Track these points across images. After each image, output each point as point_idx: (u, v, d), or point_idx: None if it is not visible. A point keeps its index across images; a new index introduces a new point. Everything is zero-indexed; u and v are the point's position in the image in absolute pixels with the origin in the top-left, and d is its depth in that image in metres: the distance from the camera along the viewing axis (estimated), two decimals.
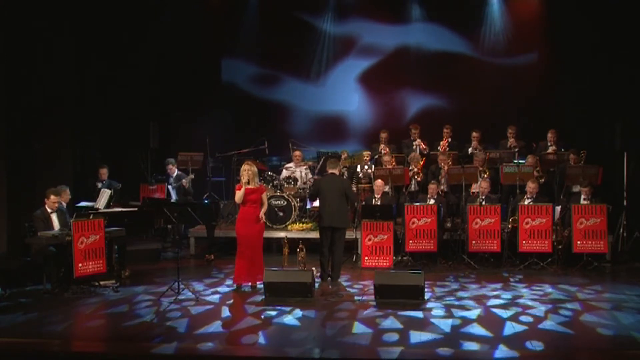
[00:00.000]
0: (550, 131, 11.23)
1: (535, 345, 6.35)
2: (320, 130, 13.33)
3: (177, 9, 12.84)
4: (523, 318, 7.14)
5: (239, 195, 8.38)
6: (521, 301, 7.80)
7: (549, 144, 11.17)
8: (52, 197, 8.61)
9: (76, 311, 7.59)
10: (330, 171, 9.10)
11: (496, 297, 8.06)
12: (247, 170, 8.43)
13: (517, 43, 12.92)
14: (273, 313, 7.37)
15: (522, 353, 6.19)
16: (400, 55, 13.29)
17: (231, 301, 8.01)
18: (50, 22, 10.85)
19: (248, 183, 8.40)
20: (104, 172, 10.93)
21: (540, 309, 7.41)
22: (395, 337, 6.55)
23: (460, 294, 8.21)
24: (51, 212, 8.63)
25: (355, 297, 8.07)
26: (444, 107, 13.01)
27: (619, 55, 11.75)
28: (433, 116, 12.77)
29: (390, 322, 7.01)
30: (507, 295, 8.14)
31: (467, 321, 7.04)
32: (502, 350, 6.21)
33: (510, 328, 6.82)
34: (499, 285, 8.66)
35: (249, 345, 6.46)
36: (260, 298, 8.05)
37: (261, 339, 6.56)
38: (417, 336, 6.55)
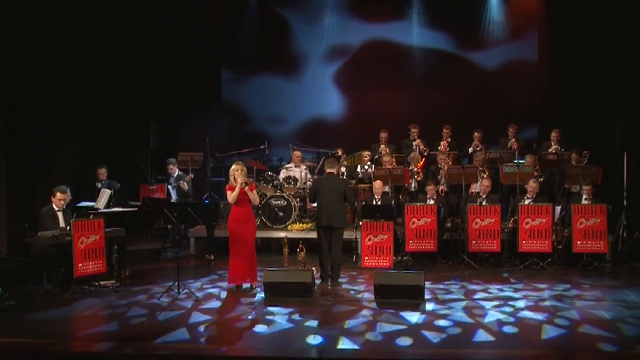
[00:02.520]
0: (554, 130, 11.25)
1: (510, 330, 6.47)
2: (318, 131, 13.34)
3: (177, 9, 12.84)
4: (520, 321, 7.06)
5: (233, 195, 8.38)
6: (519, 304, 7.73)
7: (553, 143, 11.18)
8: (58, 194, 8.63)
9: (76, 311, 7.59)
10: (329, 171, 9.07)
11: (496, 297, 8.07)
12: (240, 171, 8.42)
13: (517, 43, 12.93)
14: (272, 313, 7.37)
15: (521, 352, 6.22)
16: (401, 55, 13.31)
17: (231, 301, 8.01)
18: (50, 22, 10.84)
19: (246, 184, 8.40)
20: (103, 172, 10.92)
21: (538, 316, 7.25)
22: (395, 337, 6.57)
23: (461, 294, 8.23)
24: (58, 211, 8.65)
25: (355, 297, 8.07)
26: (442, 107, 13.01)
27: (619, 56, 11.76)
28: (431, 116, 12.79)
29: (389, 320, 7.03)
30: (507, 295, 8.16)
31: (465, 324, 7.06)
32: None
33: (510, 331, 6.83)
34: (498, 285, 8.65)
35: (247, 345, 6.46)
36: (259, 297, 8.05)
37: (260, 339, 6.56)
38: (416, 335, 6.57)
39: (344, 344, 6.39)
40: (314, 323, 7.02)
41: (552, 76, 12.63)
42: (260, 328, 6.88)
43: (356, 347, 6.34)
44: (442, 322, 7.00)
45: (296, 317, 7.24)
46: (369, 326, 6.90)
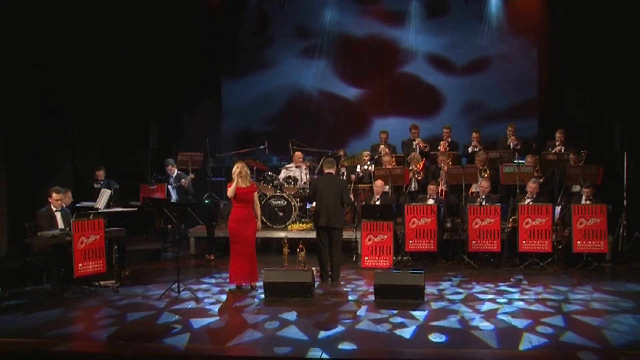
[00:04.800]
0: (558, 131, 11.25)
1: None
2: (318, 130, 13.35)
3: (177, 9, 12.84)
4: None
5: (230, 190, 8.41)
6: (516, 305, 7.69)
7: (557, 143, 11.18)
8: (54, 195, 8.63)
9: (76, 311, 7.59)
10: (327, 171, 9.08)
11: (495, 298, 8.06)
12: (241, 167, 8.44)
13: (517, 43, 12.93)
14: (272, 313, 7.37)
15: (521, 352, 6.21)
16: (402, 53, 13.31)
17: (231, 301, 8.01)
18: (50, 22, 10.86)
19: (240, 175, 8.38)
20: (101, 174, 10.90)
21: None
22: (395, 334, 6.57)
23: (460, 294, 8.23)
24: (56, 211, 8.65)
25: (355, 297, 8.07)
26: (441, 107, 13.05)
27: (619, 55, 11.77)
28: (430, 116, 12.86)
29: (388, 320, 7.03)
30: (505, 296, 8.16)
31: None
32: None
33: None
34: (498, 285, 8.65)
35: (247, 345, 6.46)
36: (259, 297, 8.06)
37: (260, 339, 6.56)
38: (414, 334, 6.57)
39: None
40: (312, 323, 7.01)
41: (552, 76, 12.64)
42: (259, 328, 6.87)
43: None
44: (440, 322, 6.98)
45: (295, 317, 7.23)
46: (367, 326, 6.90)
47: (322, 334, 6.60)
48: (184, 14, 12.88)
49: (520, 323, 6.96)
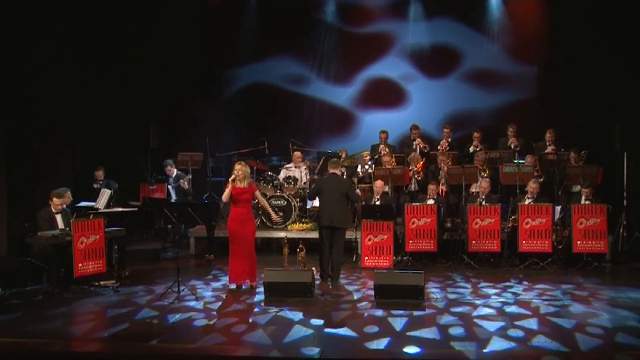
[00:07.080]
0: (548, 131, 11.24)
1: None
2: (318, 130, 13.36)
3: (178, 9, 12.85)
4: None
5: (225, 193, 8.40)
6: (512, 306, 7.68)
7: (547, 143, 11.18)
8: (55, 199, 8.65)
9: (76, 311, 7.59)
10: (332, 171, 9.10)
11: (493, 297, 8.07)
12: (239, 170, 8.43)
13: (517, 42, 12.92)
14: (272, 313, 7.37)
15: (521, 352, 6.20)
16: (402, 51, 13.33)
17: (231, 301, 8.00)
18: (50, 22, 10.86)
19: (234, 182, 8.36)
20: (100, 175, 10.92)
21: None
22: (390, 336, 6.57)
23: (460, 294, 8.23)
24: (56, 213, 8.67)
25: (355, 297, 8.07)
26: (443, 106, 13.06)
27: (619, 55, 11.77)
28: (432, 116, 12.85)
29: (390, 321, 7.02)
30: (504, 296, 8.16)
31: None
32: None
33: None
34: (497, 285, 8.64)
35: (247, 345, 6.46)
36: (259, 297, 8.06)
37: (261, 339, 6.56)
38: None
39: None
40: (314, 323, 7.01)
41: (552, 76, 12.63)
42: (259, 328, 6.87)
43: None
44: (440, 322, 6.98)
45: (294, 317, 7.23)
46: (367, 325, 6.89)
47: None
48: (184, 14, 12.89)
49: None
